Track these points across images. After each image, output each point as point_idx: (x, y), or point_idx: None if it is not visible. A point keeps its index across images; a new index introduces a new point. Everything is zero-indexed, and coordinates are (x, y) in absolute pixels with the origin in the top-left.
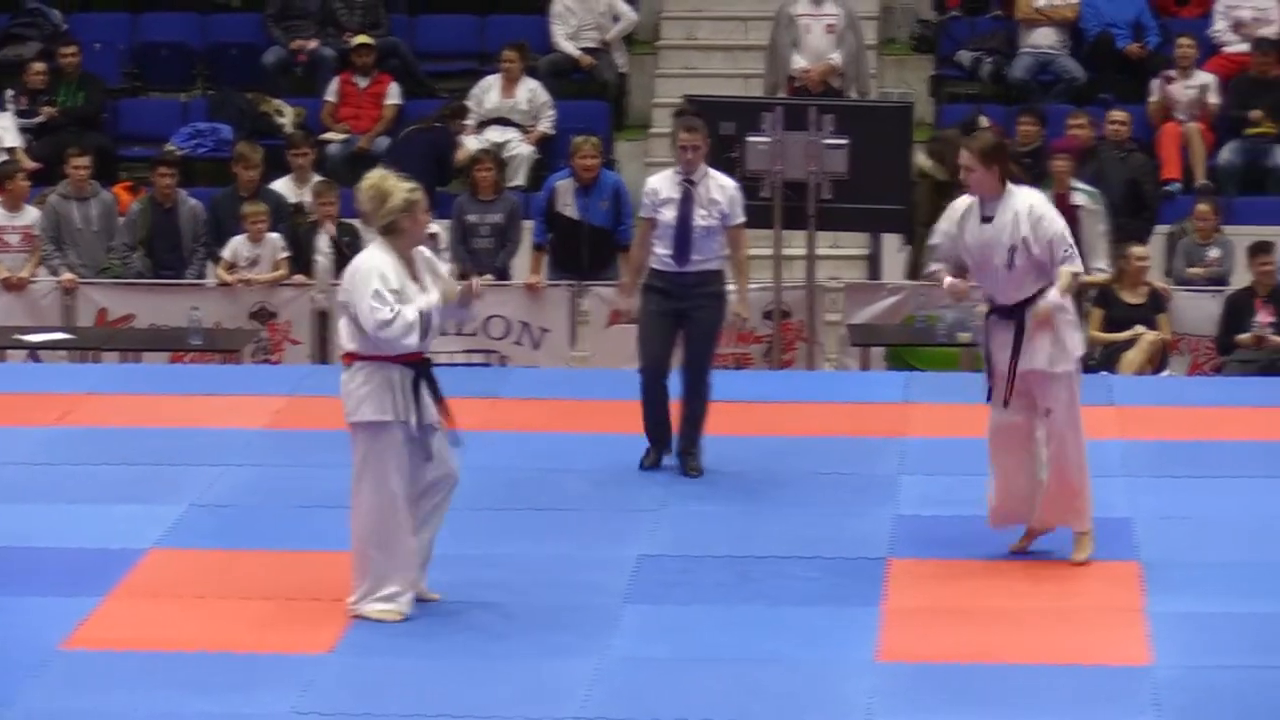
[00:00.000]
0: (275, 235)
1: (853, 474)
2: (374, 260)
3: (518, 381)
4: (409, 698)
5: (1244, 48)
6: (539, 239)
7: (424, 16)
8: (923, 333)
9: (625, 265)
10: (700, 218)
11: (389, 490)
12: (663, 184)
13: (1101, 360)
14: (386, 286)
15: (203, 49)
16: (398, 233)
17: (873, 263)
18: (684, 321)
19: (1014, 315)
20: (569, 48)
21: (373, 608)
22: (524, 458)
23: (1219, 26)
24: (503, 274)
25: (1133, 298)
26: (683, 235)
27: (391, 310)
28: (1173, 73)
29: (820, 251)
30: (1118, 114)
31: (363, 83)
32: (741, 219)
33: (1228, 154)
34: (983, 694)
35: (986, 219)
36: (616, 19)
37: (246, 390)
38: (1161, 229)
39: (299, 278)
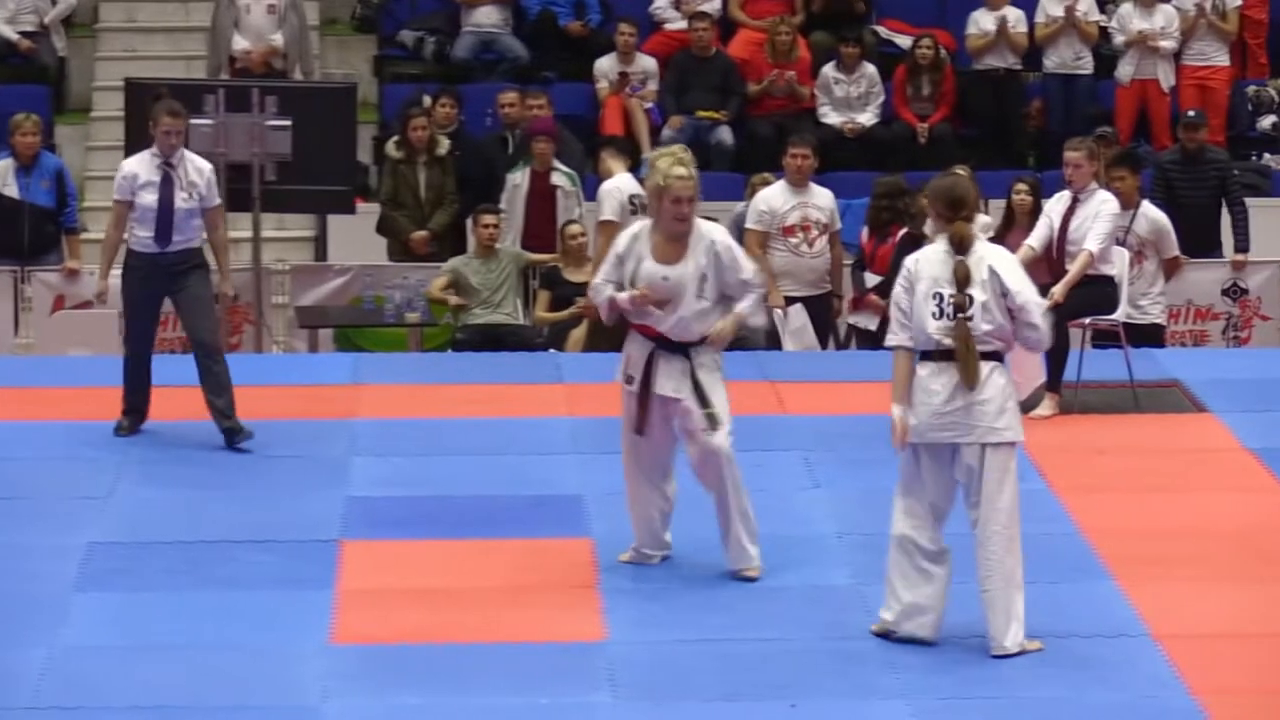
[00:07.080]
0: None
1: (303, 456)
2: (633, 229)
3: None
4: None
5: (684, 25)
6: None
7: None
8: (370, 314)
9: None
10: (181, 200)
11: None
12: (140, 167)
13: (549, 339)
14: (615, 254)
15: None
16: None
17: (319, 244)
18: (173, 297)
19: None
20: (7, 31)
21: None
22: None
23: (660, 3)
24: None
25: (576, 276)
26: (164, 217)
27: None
28: (614, 56)
29: (266, 234)
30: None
31: None
32: (219, 201)
33: (671, 132)
34: (437, 673)
35: None
36: (55, 2)
37: None
38: None
39: None
